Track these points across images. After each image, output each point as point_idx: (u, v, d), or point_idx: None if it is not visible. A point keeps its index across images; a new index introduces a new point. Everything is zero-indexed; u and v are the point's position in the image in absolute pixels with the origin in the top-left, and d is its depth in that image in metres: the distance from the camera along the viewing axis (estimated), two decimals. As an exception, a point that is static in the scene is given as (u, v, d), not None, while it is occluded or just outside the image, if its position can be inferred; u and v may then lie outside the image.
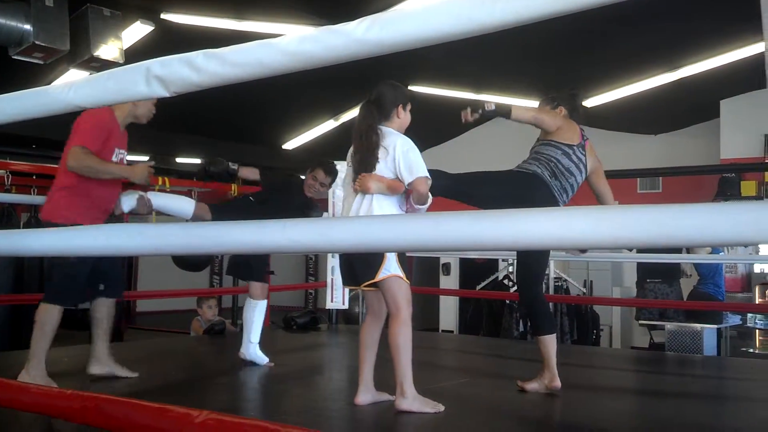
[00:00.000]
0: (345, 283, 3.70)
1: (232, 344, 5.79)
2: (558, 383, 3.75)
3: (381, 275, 3.33)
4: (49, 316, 3.79)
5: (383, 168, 3.38)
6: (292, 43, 1.44)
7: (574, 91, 4.21)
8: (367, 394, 3.46)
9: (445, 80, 9.22)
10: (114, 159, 3.97)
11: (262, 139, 11.27)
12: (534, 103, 4.42)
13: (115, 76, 1.70)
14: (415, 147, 3.44)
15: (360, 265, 3.37)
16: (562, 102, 4.11)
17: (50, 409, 1.78)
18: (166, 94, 1.63)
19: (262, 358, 4.65)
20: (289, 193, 4.78)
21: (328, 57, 1.41)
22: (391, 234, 1.20)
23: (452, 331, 10.84)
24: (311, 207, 4.79)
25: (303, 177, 4.80)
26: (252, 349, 4.66)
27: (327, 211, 6.73)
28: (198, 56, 1.56)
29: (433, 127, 10.40)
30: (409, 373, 3.32)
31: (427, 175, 3.40)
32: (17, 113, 1.86)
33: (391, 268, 3.33)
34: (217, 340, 6.01)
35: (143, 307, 13.63)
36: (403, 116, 3.55)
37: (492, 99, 9.58)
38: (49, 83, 7.73)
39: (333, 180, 4.83)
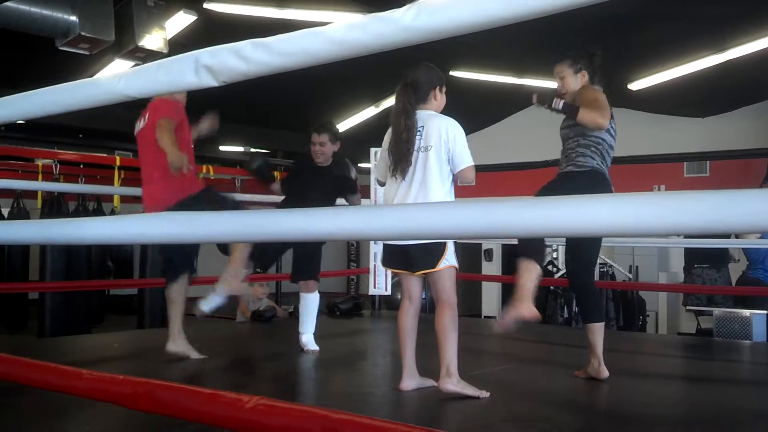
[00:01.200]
0: (392, 266, 3.67)
1: (279, 330, 5.86)
2: (605, 372, 3.71)
3: (441, 265, 3.37)
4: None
5: (433, 154, 3.38)
6: (340, 32, 1.44)
7: (594, 51, 3.92)
8: (411, 380, 3.48)
9: (486, 65, 9.14)
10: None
11: (304, 127, 11.30)
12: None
13: (164, 67, 1.71)
14: (462, 130, 3.47)
15: (419, 253, 3.38)
16: (585, 66, 3.87)
17: (102, 394, 1.81)
18: (215, 84, 1.64)
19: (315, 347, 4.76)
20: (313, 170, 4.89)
21: (376, 45, 1.41)
22: (444, 221, 1.19)
23: (495, 317, 10.79)
24: (341, 172, 4.93)
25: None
26: (306, 339, 4.77)
27: (369, 198, 6.74)
28: (246, 46, 1.57)
29: (474, 112, 10.34)
30: (455, 358, 3.35)
31: (473, 162, 3.42)
32: (68, 104, 1.89)
33: (450, 258, 3.38)
34: (265, 325, 6.07)
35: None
36: (440, 98, 3.58)
37: (535, 84, 9.52)
38: (94, 74, 7.88)
39: (330, 137, 4.85)
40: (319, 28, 1.49)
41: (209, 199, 4.08)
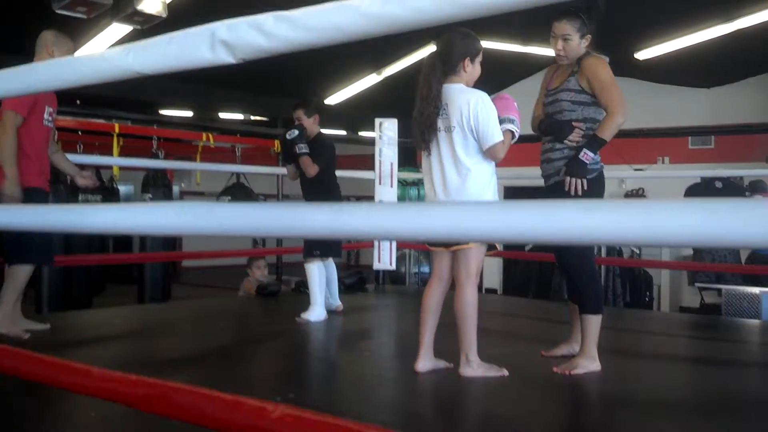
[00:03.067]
0: (429, 242, 3.59)
1: (283, 306, 5.76)
2: (598, 366, 3.41)
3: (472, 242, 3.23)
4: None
5: (458, 131, 3.24)
6: (375, 5, 1.29)
7: (594, 5, 3.64)
8: (427, 361, 3.38)
9: (491, 32, 8.94)
10: (45, 116, 4.00)
11: (304, 94, 11.12)
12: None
13: (176, 41, 1.57)
14: (489, 104, 3.28)
15: None
16: (589, 29, 3.50)
17: (113, 395, 1.69)
18: (233, 61, 1.50)
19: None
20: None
21: (417, 20, 1.26)
22: (495, 225, 1.06)
23: (496, 290, 10.71)
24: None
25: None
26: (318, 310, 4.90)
27: (373, 170, 6.60)
28: (267, 19, 1.43)
29: (478, 80, 10.16)
30: (474, 342, 3.28)
31: (502, 137, 3.26)
32: (74, 79, 1.75)
33: None
34: (269, 301, 5.96)
35: (188, 263, 13.76)
36: (471, 70, 3.37)
37: (539, 52, 9.34)
38: (92, 38, 7.67)
39: (305, 111, 5.07)
40: (350, 1, 1.34)
41: None
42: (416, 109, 3.33)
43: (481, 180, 3.29)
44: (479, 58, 3.40)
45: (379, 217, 1.24)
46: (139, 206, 1.57)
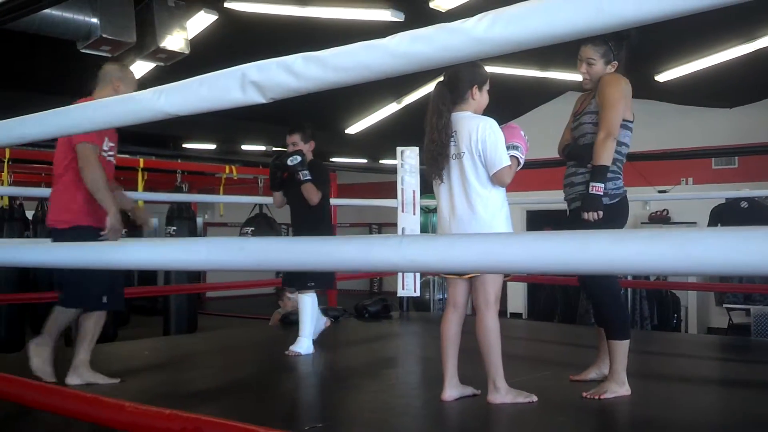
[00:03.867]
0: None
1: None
2: (627, 390, 3.38)
3: None
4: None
5: (468, 157, 3.28)
6: (403, 44, 1.33)
7: (627, 34, 3.48)
8: (453, 390, 3.37)
9: (509, 57, 9.00)
10: (104, 148, 3.78)
11: (325, 124, 11.21)
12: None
13: (208, 82, 1.61)
14: (497, 130, 3.32)
15: None
16: (617, 56, 3.48)
17: (147, 430, 1.72)
18: (263, 101, 1.54)
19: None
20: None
21: (444, 58, 1.30)
22: (530, 255, 1.08)
23: (521, 314, 10.66)
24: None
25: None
26: (307, 343, 4.77)
27: (396, 198, 6.62)
28: (297, 60, 1.47)
29: (497, 106, 10.20)
30: (501, 368, 3.27)
31: (509, 162, 3.29)
32: (106, 121, 1.80)
33: None
34: (294, 330, 5.97)
35: (212, 293, 13.84)
36: (479, 97, 3.42)
37: (558, 77, 9.38)
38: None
39: (301, 136, 5.01)
40: (378, 41, 1.37)
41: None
42: (427, 137, 3.37)
43: (492, 206, 3.31)
44: (486, 86, 3.45)
45: (411, 250, 1.26)
46: (172, 243, 1.60)
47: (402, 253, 1.28)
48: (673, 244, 1.03)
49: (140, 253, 1.72)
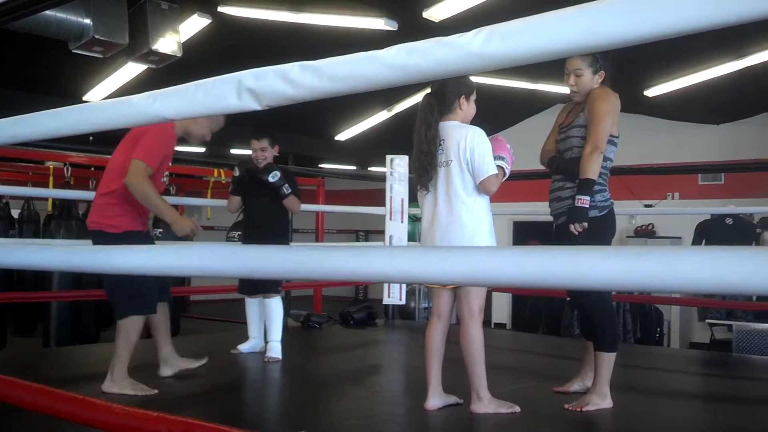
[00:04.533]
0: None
1: (292, 341, 5.76)
2: (609, 403, 3.40)
3: None
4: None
5: (455, 165, 3.31)
6: (399, 56, 1.34)
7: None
8: (437, 399, 3.39)
9: (501, 69, 9.05)
10: (164, 178, 3.89)
11: (315, 130, 11.22)
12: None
13: (204, 88, 1.62)
14: (485, 139, 3.36)
15: None
16: (604, 66, 3.50)
17: (134, 431, 1.72)
18: (258, 108, 1.55)
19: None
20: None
21: (439, 71, 1.32)
22: (518, 270, 1.10)
23: (505, 325, 10.69)
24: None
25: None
26: (274, 346, 4.75)
27: (384, 206, 6.63)
28: (293, 69, 1.48)
29: (487, 117, 10.24)
30: (484, 378, 3.29)
31: (496, 171, 3.32)
32: (100, 123, 1.80)
33: None
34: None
35: (196, 297, 13.79)
36: (467, 108, 3.46)
37: (549, 89, 9.43)
38: (107, 76, 7.79)
39: (270, 141, 4.98)
40: (374, 51, 1.39)
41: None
42: (416, 148, 3.40)
43: (477, 214, 3.34)
44: (473, 96, 3.48)
45: (402, 261, 1.28)
46: (166, 249, 1.60)
47: (394, 264, 1.29)
48: (662, 262, 1.05)
49: (136, 258, 1.73)
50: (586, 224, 3.35)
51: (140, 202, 3.63)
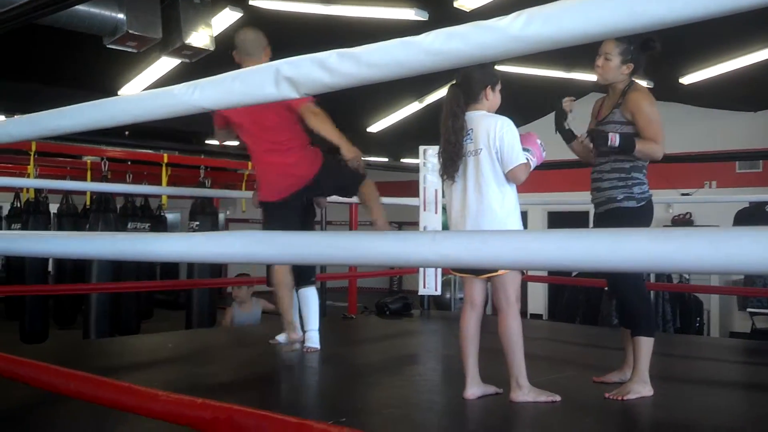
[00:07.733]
0: (457, 269, 3.63)
1: (326, 332, 5.79)
2: (650, 390, 3.38)
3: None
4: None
5: (485, 154, 3.30)
6: (438, 41, 1.34)
7: (650, 38, 3.45)
8: (475, 388, 3.38)
9: (534, 58, 8.98)
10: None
11: (346, 123, 11.21)
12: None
13: (241, 77, 1.63)
14: (513, 129, 3.35)
15: None
16: (635, 59, 3.47)
17: (179, 418, 1.75)
18: (296, 96, 1.56)
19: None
20: None
21: (479, 55, 1.31)
22: (561, 253, 1.09)
23: (541, 315, 10.63)
24: None
25: None
26: (313, 335, 4.72)
27: (418, 197, 6.63)
28: (331, 56, 1.48)
29: (520, 106, 10.18)
30: (523, 367, 3.28)
31: (525, 160, 3.30)
32: (141, 114, 1.82)
33: None
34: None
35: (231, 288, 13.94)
36: (492, 97, 3.45)
37: (583, 78, 9.33)
38: (141, 71, 7.86)
39: None
40: (413, 38, 1.39)
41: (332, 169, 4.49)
42: (442, 138, 3.39)
43: (507, 204, 3.33)
44: (499, 86, 3.47)
45: (445, 246, 1.27)
46: (207, 236, 1.62)
47: (437, 249, 1.29)
48: (710, 243, 1.03)
49: (168, 246, 1.75)
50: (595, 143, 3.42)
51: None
